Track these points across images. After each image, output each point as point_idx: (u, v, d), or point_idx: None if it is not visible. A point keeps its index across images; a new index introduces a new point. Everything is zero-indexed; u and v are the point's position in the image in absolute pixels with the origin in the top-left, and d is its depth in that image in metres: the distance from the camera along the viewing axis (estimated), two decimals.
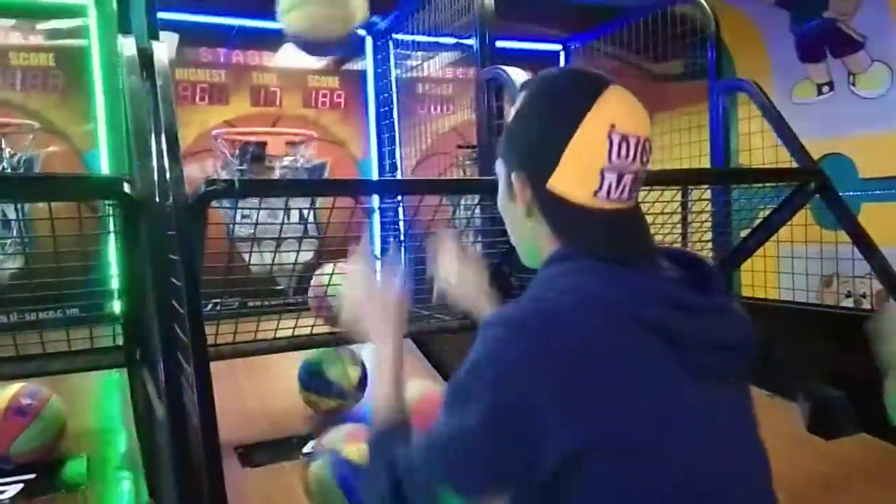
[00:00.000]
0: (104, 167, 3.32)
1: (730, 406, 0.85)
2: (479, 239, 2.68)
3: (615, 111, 0.81)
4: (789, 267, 2.89)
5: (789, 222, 2.77)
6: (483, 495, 0.79)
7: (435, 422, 0.81)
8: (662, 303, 0.79)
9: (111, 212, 1.94)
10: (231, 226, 2.17)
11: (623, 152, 0.80)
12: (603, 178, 0.81)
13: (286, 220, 2.06)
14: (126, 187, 1.67)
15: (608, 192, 0.82)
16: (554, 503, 0.77)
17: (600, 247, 0.83)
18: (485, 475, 0.77)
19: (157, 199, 1.68)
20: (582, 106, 0.81)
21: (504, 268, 2.39)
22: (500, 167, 0.92)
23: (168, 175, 1.67)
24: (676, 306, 0.79)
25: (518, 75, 2.50)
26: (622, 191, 0.82)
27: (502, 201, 0.93)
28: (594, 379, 0.74)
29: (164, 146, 1.71)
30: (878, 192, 3.32)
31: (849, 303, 3.27)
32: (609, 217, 0.83)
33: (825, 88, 3.62)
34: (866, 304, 3.26)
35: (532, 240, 0.90)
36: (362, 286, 1.06)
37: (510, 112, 0.91)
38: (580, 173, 0.82)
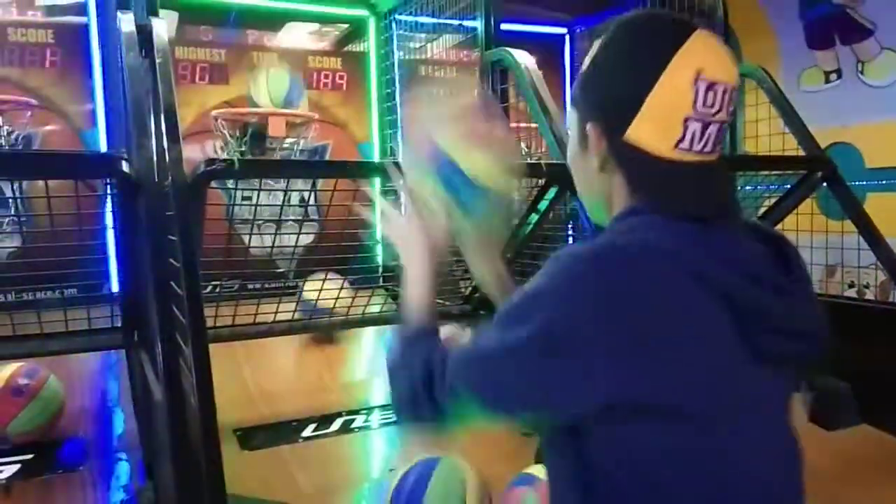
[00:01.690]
0: (102, 146, 3.29)
1: (777, 394, 0.81)
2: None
3: (703, 57, 0.75)
4: None
5: (794, 211, 2.75)
6: (505, 415, 0.79)
7: (481, 334, 0.79)
8: (742, 273, 0.73)
9: (109, 191, 1.92)
10: (230, 207, 2.14)
11: (709, 101, 0.75)
12: (686, 127, 0.75)
13: (287, 202, 2.03)
14: (124, 166, 1.65)
15: (691, 143, 0.76)
16: (575, 451, 0.75)
17: (680, 202, 0.77)
18: (513, 397, 0.75)
19: (156, 179, 1.65)
20: (666, 51, 0.76)
21: (505, 254, 2.37)
22: (572, 117, 0.86)
23: (167, 154, 1.64)
24: (756, 280, 0.74)
25: (523, 58, 2.47)
26: (706, 142, 0.76)
27: (573, 153, 0.87)
28: (656, 333, 0.70)
29: (163, 125, 1.68)
30: (884, 181, 3.29)
31: (852, 293, 3.25)
32: (690, 170, 0.77)
33: (833, 76, 3.58)
34: (870, 295, 3.25)
35: (604, 195, 0.84)
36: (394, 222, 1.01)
37: (586, 59, 0.84)
38: (662, 123, 0.76)
